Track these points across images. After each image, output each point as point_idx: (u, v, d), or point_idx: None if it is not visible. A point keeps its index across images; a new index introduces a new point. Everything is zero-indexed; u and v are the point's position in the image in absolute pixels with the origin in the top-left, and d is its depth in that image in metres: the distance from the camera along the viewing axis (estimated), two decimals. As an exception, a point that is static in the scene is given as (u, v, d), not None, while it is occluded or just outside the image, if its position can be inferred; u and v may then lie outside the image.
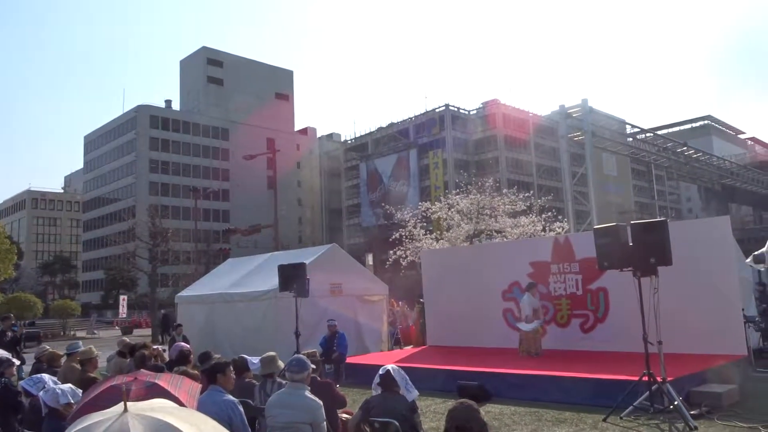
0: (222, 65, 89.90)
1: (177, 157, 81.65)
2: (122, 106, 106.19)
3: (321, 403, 4.71)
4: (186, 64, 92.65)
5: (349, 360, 11.74)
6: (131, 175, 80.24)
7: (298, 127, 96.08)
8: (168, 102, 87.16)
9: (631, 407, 7.46)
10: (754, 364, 10.46)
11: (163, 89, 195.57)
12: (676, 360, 8.78)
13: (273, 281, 12.97)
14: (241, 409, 4.90)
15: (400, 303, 22.25)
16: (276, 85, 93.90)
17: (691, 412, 7.18)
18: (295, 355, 5.16)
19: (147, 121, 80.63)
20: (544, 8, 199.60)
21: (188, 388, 3.83)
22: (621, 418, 7.36)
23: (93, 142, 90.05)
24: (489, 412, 8.17)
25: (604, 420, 7.34)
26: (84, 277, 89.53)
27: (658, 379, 7.44)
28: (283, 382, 5.44)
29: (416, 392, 5.07)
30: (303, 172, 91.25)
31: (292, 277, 11.61)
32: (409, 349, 15.75)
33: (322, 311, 13.45)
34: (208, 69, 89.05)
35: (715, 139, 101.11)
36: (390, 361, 10.60)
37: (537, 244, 15.72)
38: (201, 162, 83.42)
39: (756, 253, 7.14)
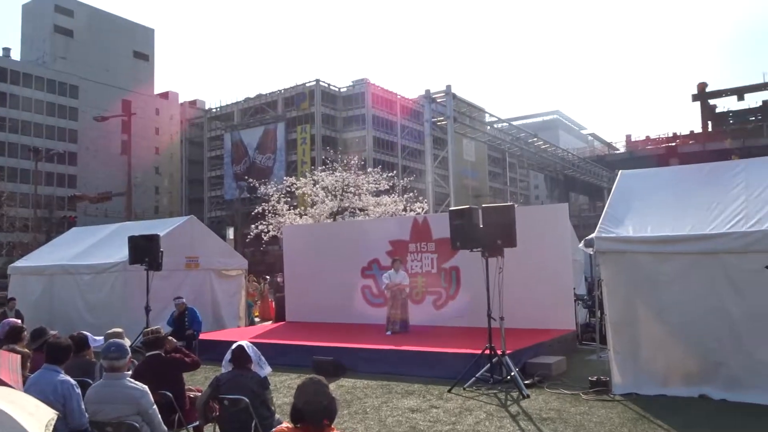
0: (73, 15, 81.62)
1: (15, 112, 73.14)
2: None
3: (145, 389, 4.37)
4: (29, 10, 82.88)
5: (202, 336, 11.36)
6: (-43, 130, 70.85)
7: (158, 90, 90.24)
8: (6, 51, 77.60)
9: (473, 378, 8.01)
10: (581, 338, 11.67)
11: (0, 36, 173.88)
12: (516, 334, 9.53)
13: (123, 253, 12.22)
14: (79, 391, 4.57)
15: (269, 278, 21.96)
16: (134, 43, 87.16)
17: (525, 382, 7.86)
18: (112, 340, 4.76)
19: (-21, 69, 71.36)
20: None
21: (7, 362, 3.48)
22: (464, 388, 7.88)
23: None
24: (342, 386, 8.37)
25: (449, 391, 7.82)
26: None
27: (498, 352, 8.05)
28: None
29: (269, 368, 5.05)
30: (162, 139, 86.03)
31: (144, 249, 11.02)
32: (266, 325, 15.63)
33: (176, 285, 12.92)
34: (56, 17, 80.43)
35: (562, 132, 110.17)
36: (246, 337, 10.47)
37: (397, 223, 16.19)
38: (44, 120, 75.49)
39: (587, 237, 7.90)
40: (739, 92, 66.50)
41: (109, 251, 13.75)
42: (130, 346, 5.01)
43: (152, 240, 11.05)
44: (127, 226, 15.90)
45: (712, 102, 68.53)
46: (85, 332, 6.00)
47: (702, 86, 67.63)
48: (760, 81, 67.42)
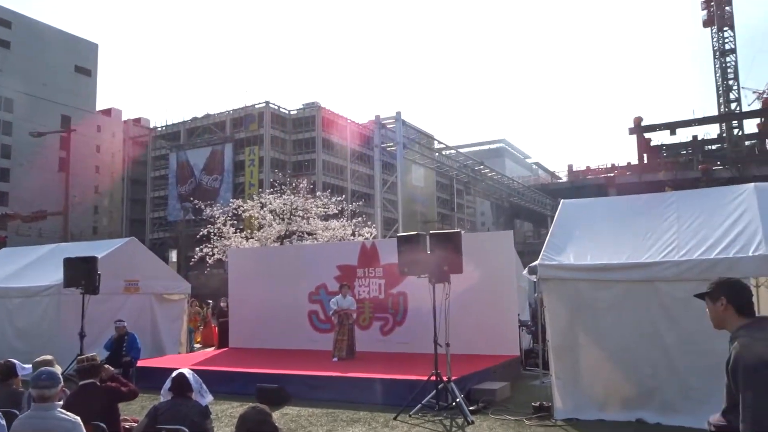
0: (11, 26, 78.68)
1: (-56, 125, 69.74)
2: None
3: (77, 420, 4.10)
4: (-36, 20, 79.55)
5: (141, 363, 10.97)
6: None
7: (100, 107, 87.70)
8: (-64, 61, 74.12)
9: (419, 405, 7.99)
10: (524, 363, 11.86)
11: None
12: (462, 360, 9.59)
13: (57, 275, 11.71)
14: (4, 422, 4.31)
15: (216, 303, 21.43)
16: (77, 58, 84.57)
17: (470, 408, 7.91)
18: (44, 368, 4.50)
19: None
20: (368, 21, 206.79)
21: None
22: (410, 416, 7.85)
23: None
24: (286, 414, 8.21)
25: (395, 418, 7.77)
26: None
27: (444, 378, 8.08)
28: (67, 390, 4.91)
29: (210, 397, 4.91)
30: (103, 157, 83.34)
31: (80, 272, 10.58)
32: (209, 351, 15.21)
33: (114, 310, 12.43)
34: (-7, 28, 77.47)
35: (507, 161, 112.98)
36: (188, 364, 10.16)
37: (345, 247, 16.15)
38: (-25, 134, 72.14)
39: (531, 265, 8.09)
40: (672, 127, 69.96)
41: (42, 273, 13.14)
42: (62, 374, 4.78)
43: (90, 262, 10.64)
44: (62, 247, 15.27)
45: (647, 135, 71.80)
46: (12, 360, 5.70)
47: (638, 120, 70.83)
48: (690, 117, 71.28)
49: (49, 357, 5.58)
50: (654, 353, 7.24)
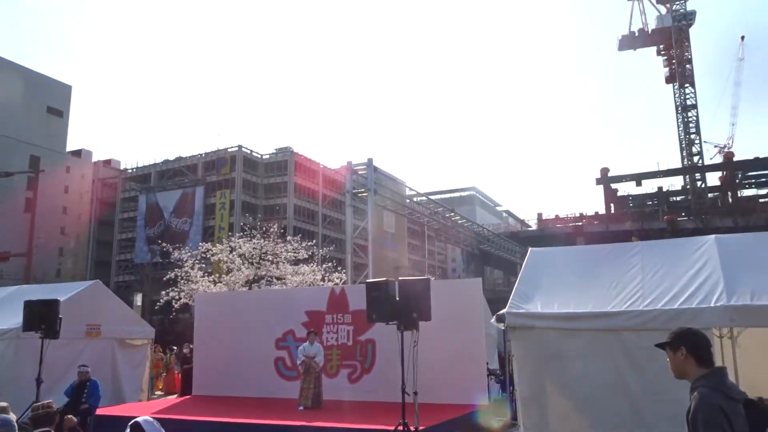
0: (-19, 65, 78.14)
1: None
2: None
3: None
4: (-68, 57, 78.70)
5: (100, 411, 10.58)
6: None
7: (71, 147, 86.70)
8: None
9: (386, 456, 7.84)
10: (493, 413, 11.74)
11: None
12: (430, 410, 9.48)
13: (16, 319, 11.35)
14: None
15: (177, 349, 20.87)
16: (49, 98, 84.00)
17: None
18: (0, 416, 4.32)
19: None
20: (342, 68, 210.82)
21: None
22: (376, 466, 7.69)
23: None
24: (250, 465, 7.96)
25: (361, 469, 7.60)
26: None
27: (411, 428, 7.96)
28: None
29: (171, 447, 4.76)
30: (71, 198, 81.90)
31: (40, 315, 10.29)
32: (171, 399, 14.75)
33: (74, 355, 12.08)
34: (-38, 67, 76.68)
35: (478, 208, 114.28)
36: (149, 412, 9.82)
37: (314, 293, 16.01)
38: (-62, 172, 70.31)
39: (498, 313, 8.13)
40: (637, 178, 72.04)
41: (0, 316, 12.73)
42: (17, 422, 4.60)
43: (51, 305, 10.36)
44: (24, 289, 14.87)
45: (614, 186, 73.73)
46: (-37, 407, 5.46)
47: (604, 171, 72.82)
48: (655, 169, 73.56)
49: (4, 404, 5.39)
50: (620, 402, 7.27)
